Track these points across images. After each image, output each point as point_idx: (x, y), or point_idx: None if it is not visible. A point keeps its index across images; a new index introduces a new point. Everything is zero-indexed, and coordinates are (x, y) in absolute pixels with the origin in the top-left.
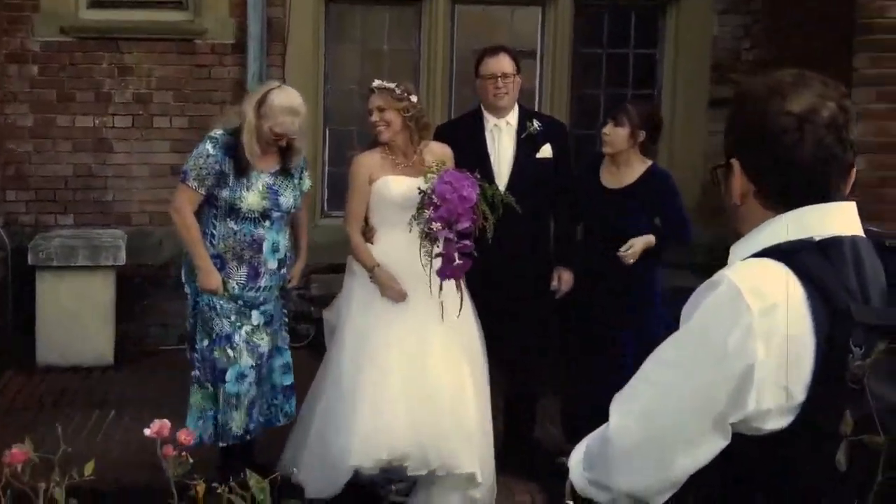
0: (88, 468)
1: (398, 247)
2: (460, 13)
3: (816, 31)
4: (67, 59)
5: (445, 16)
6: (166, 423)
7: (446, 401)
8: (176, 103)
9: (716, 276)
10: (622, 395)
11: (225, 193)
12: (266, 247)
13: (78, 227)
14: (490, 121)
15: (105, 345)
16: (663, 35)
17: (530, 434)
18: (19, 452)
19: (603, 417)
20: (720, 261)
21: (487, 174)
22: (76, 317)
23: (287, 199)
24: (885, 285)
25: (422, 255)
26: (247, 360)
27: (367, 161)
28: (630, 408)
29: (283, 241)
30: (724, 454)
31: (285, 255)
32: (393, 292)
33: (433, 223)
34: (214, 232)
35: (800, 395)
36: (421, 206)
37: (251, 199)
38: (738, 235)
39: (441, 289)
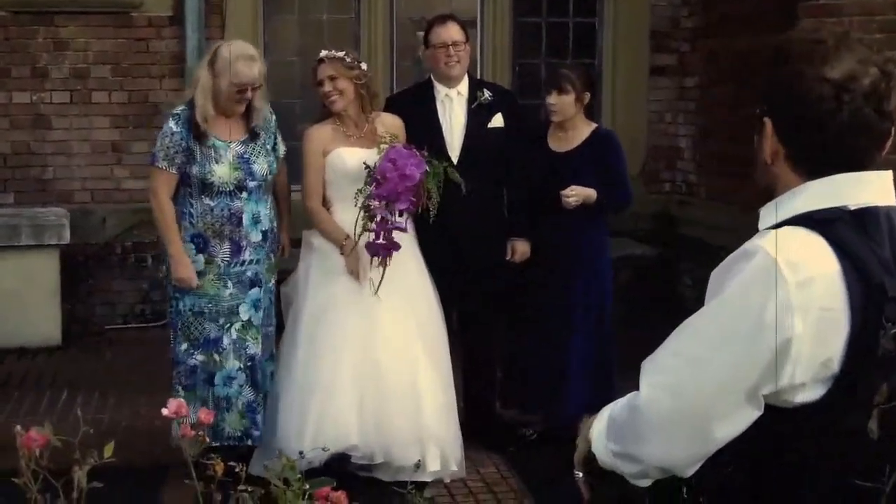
0: (108, 450)
1: (350, 218)
2: None
3: None
4: (2, 34)
5: None
6: (182, 402)
7: (398, 387)
8: (114, 78)
9: (749, 246)
10: (652, 366)
11: (195, 169)
12: (246, 219)
13: (18, 205)
14: (441, 91)
15: (51, 325)
16: (602, 3)
17: (491, 407)
18: (40, 436)
19: (547, 379)
20: (664, 229)
21: (440, 145)
22: (21, 297)
23: (261, 167)
24: None
25: (357, 226)
26: (233, 363)
27: (319, 134)
28: (661, 380)
29: (264, 210)
30: (755, 425)
31: (270, 227)
32: (354, 270)
33: (373, 200)
34: (192, 211)
35: (834, 367)
36: (367, 182)
37: (221, 171)
38: (767, 196)
39: (383, 262)
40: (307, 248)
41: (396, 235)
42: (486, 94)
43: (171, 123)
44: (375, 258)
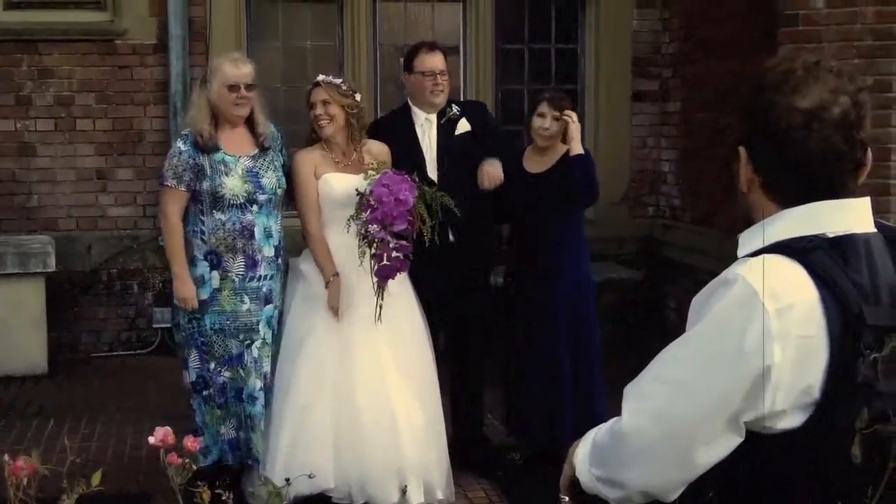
0: (96, 479)
1: (337, 243)
2: (381, 9)
3: (738, 22)
4: None
5: (367, 12)
6: (169, 430)
7: (374, 422)
8: (98, 105)
9: (729, 274)
10: (634, 391)
11: (206, 184)
12: (258, 232)
13: (3, 233)
14: (420, 115)
15: (37, 353)
16: (584, 30)
17: (478, 430)
18: (28, 465)
19: (543, 408)
20: (648, 253)
21: (421, 169)
22: (7, 325)
23: (270, 180)
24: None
25: (359, 254)
26: (255, 381)
27: (309, 157)
28: (643, 406)
29: (276, 225)
30: (738, 450)
31: (280, 242)
32: (334, 308)
33: (369, 225)
34: (203, 228)
35: (814, 394)
36: (359, 208)
37: (231, 183)
38: (748, 222)
39: (380, 288)
40: (293, 276)
41: (402, 253)
42: (454, 109)
43: (179, 143)
44: (383, 282)
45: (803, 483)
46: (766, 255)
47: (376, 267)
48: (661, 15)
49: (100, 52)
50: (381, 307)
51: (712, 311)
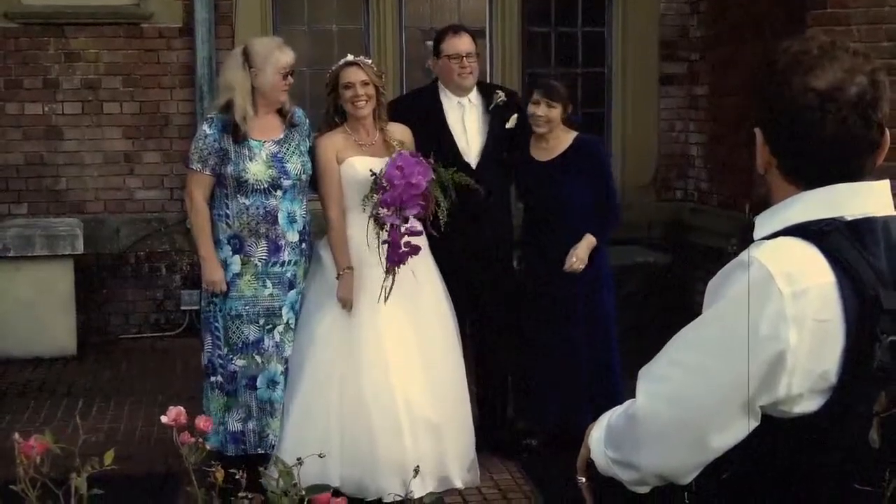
0: (108, 458)
1: (359, 229)
2: None
3: (766, 5)
4: (13, 46)
5: None
6: (182, 409)
7: (380, 419)
8: (125, 88)
9: (744, 257)
10: (649, 375)
11: (230, 169)
12: (281, 218)
13: (32, 216)
14: (453, 99)
15: (66, 335)
16: (611, 13)
17: (504, 413)
18: (39, 443)
19: (554, 390)
20: (676, 236)
21: (454, 152)
22: (35, 307)
23: (294, 166)
24: None
25: (369, 238)
26: (276, 366)
27: (332, 141)
28: (658, 389)
29: (300, 211)
30: (753, 434)
31: (304, 227)
32: (346, 300)
33: (381, 207)
34: (228, 212)
35: (830, 378)
36: (373, 188)
37: (255, 168)
38: (765, 204)
39: (387, 272)
40: (314, 259)
41: (414, 239)
42: (501, 95)
43: (205, 127)
44: (396, 267)
45: (820, 467)
46: (781, 238)
47: (387, 252)
48: None
49: (126, 35)
50: (387, 289)
51: (727, 294)
